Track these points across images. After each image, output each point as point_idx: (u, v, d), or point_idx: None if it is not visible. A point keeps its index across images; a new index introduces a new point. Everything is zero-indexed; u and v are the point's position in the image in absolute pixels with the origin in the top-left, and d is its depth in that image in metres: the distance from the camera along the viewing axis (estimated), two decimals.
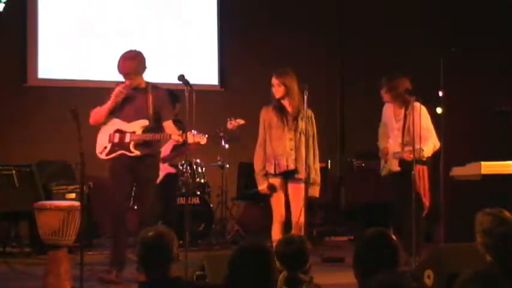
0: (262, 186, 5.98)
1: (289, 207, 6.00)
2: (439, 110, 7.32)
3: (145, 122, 5.95)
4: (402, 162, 6.33)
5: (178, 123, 6.32)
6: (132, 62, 5.94)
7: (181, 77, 5.66)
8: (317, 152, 6.06)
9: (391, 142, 6.54)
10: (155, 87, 6.09)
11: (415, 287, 4.46)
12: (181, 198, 7.76)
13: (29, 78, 8.92)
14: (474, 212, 3.89)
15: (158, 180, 6.45)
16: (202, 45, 9.62)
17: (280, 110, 5.98)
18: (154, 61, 9.12)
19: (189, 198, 7.38)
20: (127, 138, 5.94)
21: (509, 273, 3.14)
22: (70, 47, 9.02)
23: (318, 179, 6.03)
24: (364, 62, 9.64)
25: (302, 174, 5.89)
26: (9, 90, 8.80)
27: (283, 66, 6.14)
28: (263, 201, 6.80)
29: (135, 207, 6.43)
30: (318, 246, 7.56)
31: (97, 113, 6.02)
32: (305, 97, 5.87)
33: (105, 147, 6.00)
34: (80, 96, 8.18)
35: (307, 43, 9.69)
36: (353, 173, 8.85)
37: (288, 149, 5.93)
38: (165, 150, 7.24)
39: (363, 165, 8.54)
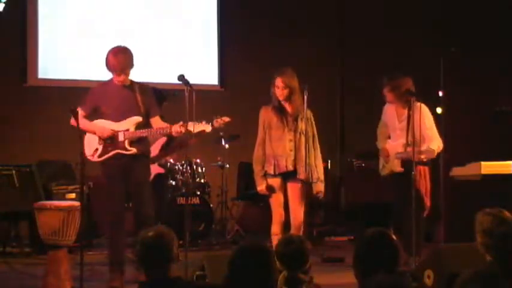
0: (261, 187, 5.97)
1: (289, 208, 5.99)
2: (439, 110, 7.33)
3: (138, 119, 5.82)
4: (405, 162, 6.29)
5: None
6: (125, 56, 5.81)
7: (181, 77, 5.63)
8: (319, 152, 6.05)
9: (392, 142, 6.52)
10: (140, 83, 5.97)
11: (415, 287, 4.46)
12: (181, 198, 7.76)
13: (29, 78, 8.92)
14: (474, 212, 3.89)
15: None
16: (202, 45, 9.62)
17: (281, 111, 5.96)
18: (154, 61, 9.24)
19: (189, 198, 7.39)
20: (121, 137, 5.80)
21: (509, 273, 3.14)
22: (70, 47, 9.02)
23: (322, 177, 6.02)
24: (364, 62, 9.64)
25: (301, 175, 5.88)
26: (9, 90, 8.80)
27: (284, 67, 6.09)
28: (263, 201, 6.79)
29: (131, 206, 6.17)
30: (318, 246, 7.56)
31: (83, 124, 5.71)
32: (305, 97, 5.86)
33: (97, 149, 5.83)
34: (80, 96, 8.17)
35: (307, 43, 9.70)
36: (353, 173, 8.85)
37: (287, 149, 5.92)
38: (154, 150, 7.20)
39: (363, 165, 8.55)
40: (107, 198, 5.91)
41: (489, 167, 6.87)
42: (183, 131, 5.69)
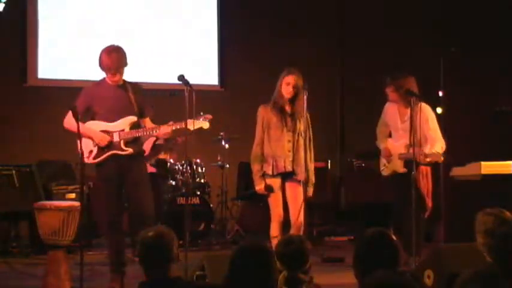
0: (260, 187, 5.95)
1: (288, 208, 5.99)
2: (439, 110, 7.32)
3: (133, 119, 5.77)
4: (408, 163, 6.26)
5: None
6: (119, 55, 5.75)
7: (181, 77, 5.61)
8: (312, 154, 6.03)
9: (393, 142, 6.50)
10: (132, 83, 5.91)
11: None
12: (181, 198, 7.77)
13: (29, 78, 8.93)
14: (474, 212, 3.88)
15: None
16: (202, 45, 9.63)
17: (280, 111, 5.95)
18: (154, 61, 9.25)
19: (189, 198, 7.39)
20: (116, 137, 5.72)
21: (509, 273, 3.13)
22: (70, 47, 9.03)
23: (313, 179, 6.01)
24: (364, 62, 9.65)
25: (300, 176, 5.87)
26: (9, 90, 8.81)
27: (292, 67, 6.05)
28: (263, 201, 6.79)
29: (126, 206, 6.06)
30: (318, 246, 7.56)
31: (70, 124, 5.59)
32: (305, 97, 5.85)
33: (91, 151, 5.75)
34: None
35: (307, 43, 9.70)
36: (353, 173, 8.86)
37: (286, 150, 5.90)
38: (145, 149, 7.19)
39: (363, 165, 8.55)
40: (104, 200, 5.83)
41: (489, 167, 6.86)
42: (170, 131, 5.69)
